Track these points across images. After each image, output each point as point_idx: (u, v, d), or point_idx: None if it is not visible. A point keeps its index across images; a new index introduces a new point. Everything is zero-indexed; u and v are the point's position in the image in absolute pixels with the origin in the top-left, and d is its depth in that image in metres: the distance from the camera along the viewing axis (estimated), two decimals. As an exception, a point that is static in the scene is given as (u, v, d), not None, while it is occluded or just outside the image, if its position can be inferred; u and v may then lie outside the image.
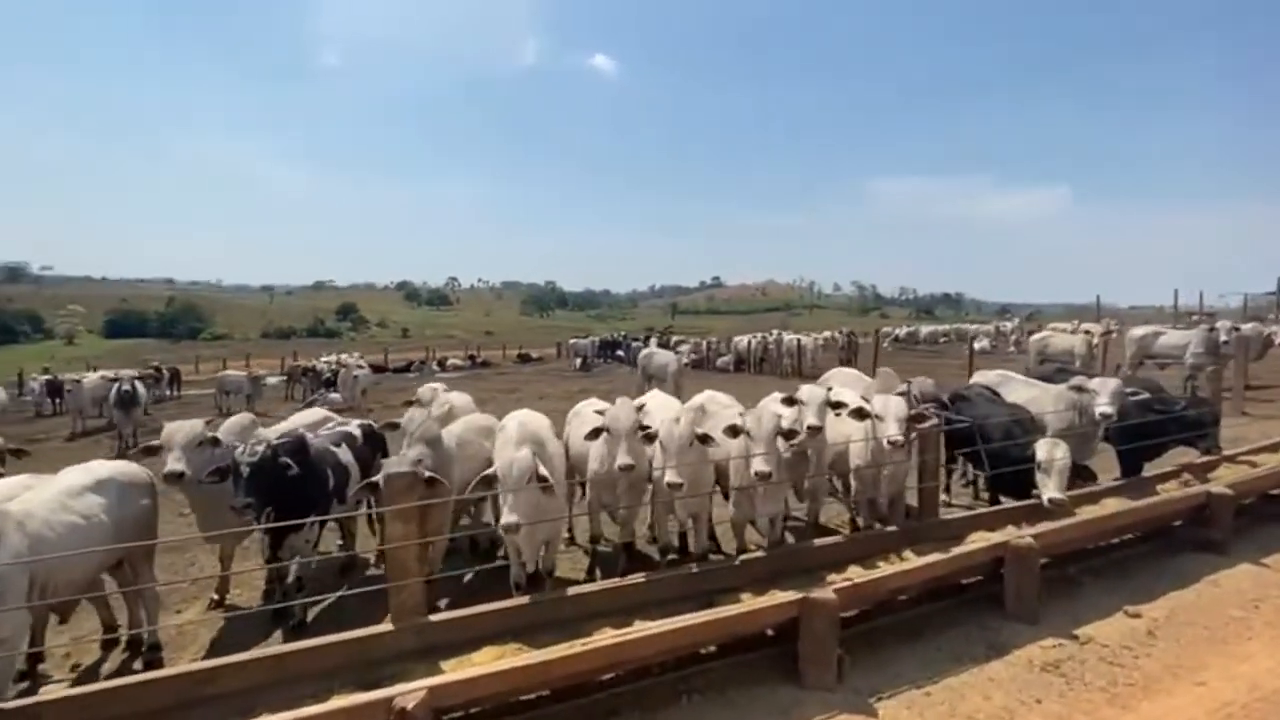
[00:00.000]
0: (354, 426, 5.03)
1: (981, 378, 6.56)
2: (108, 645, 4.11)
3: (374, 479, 3.69)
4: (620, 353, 29.41)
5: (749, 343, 23.78)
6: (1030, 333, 18.12)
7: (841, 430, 4.69)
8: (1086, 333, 14.25)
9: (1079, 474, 4.79)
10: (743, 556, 4.08)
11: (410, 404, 6.44)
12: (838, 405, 4.47)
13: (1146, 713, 3.11)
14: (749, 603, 3.48)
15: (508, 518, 3.35)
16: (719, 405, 5.02)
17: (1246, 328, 12.20)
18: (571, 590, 3.68)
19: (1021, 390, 5.96)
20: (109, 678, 3.66)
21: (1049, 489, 4.32)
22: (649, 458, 4.15)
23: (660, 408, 4.88)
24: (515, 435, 4.06)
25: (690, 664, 3.46)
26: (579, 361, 27.77)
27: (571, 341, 32.22)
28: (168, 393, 21.22)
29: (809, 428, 4.30)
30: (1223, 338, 11.18)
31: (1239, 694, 3.23)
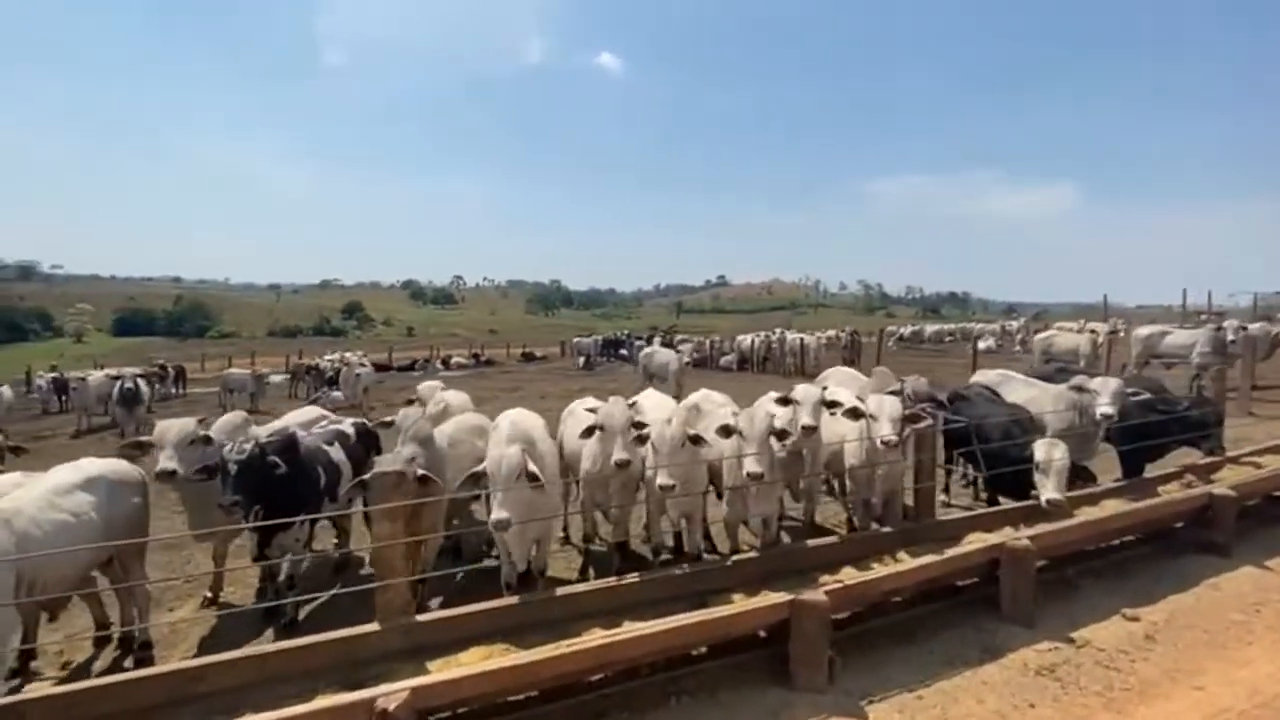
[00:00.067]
0: (347, 425, 5.02)
1: (981, 377, 6.50)
2: (100, 643, 4.11)
3: (364, 477, 3.68)
4: (624, 352, 29.44)
5: (752, 342, 23.75)
6: (1036, 332, 17.97)
7: (836, 430, 4.64)
8: (1092, 332, 14.11)
9: (1078, 474, 4.73)
10: (735, 557, 4.04)
11: (411, 403, 6.45)
12: (833, 405, 4.42)
13: (1143, 718, 3.06)
14: (739, 604, 3.45)
15: (498, 514, 3.32)
16: (713, 404, 4.98)
17: (1254, 327, 12.05)
18: (561, 590, 3.66)
19: (1021, 390, 5.90)
20: (99, 675, 3.66)
21: (1047, 490, 4.26)
22: (642, 458, 4.13)
23: (654, 407, 4.85)
24: (506, 434, 4.04)
25: (681, 665, 3.43)
26: (582, 360, 27.77)
27: (575, 340, 32.24)
28: (173, 390, 21.35)
29: (803, 427, 4.26)
30: (1230, 337, 11.04)
31: (1238, 700, 3.17)
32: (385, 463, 3.77)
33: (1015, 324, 32.35)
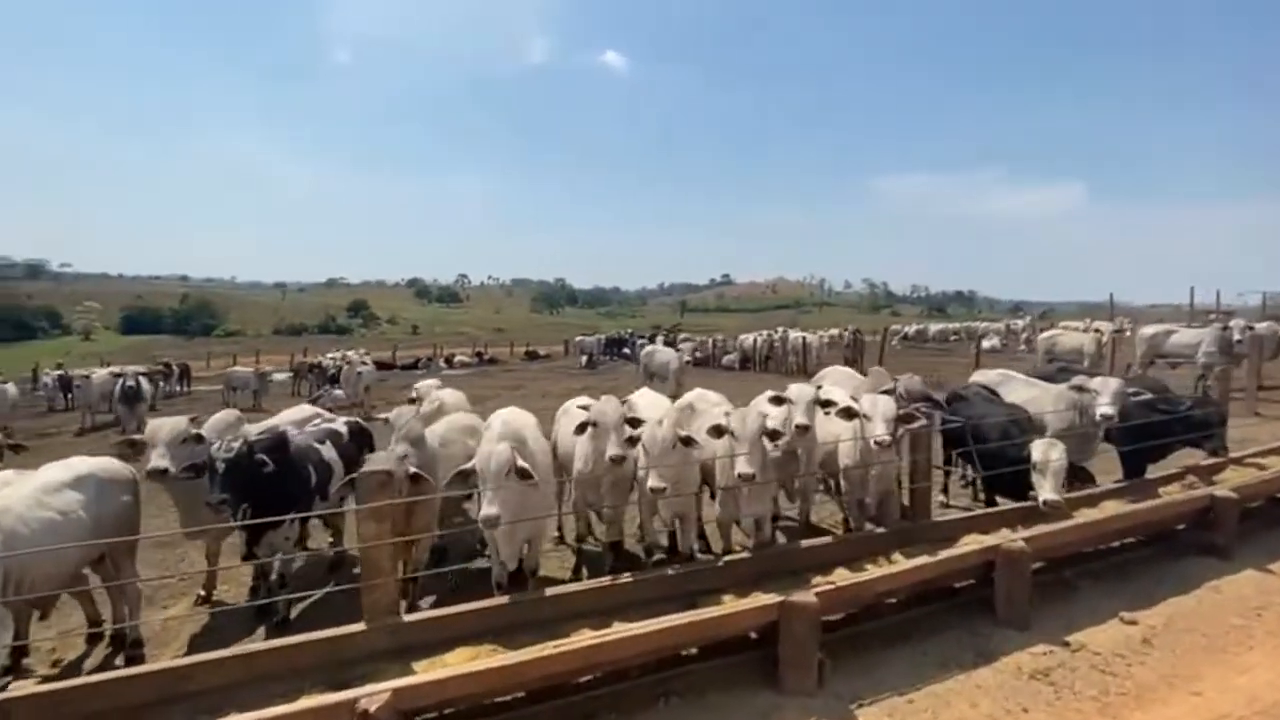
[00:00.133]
0: (340, 423, 5.01)
1: (981, 376, 6.43)
2: (92, 640, 4.12)
3: (354, 476, 3.66)
4: (626, 350, 29.43)
5: (754, 341, 23.69)
6: (1041, 331, 17.84)
7: (831, 430, 4.60)
8: (1096, 331, 13.99)
9: (1076, 475, 4.67)
10: (727, 558, 4.01)
11: (414, 401, 6.46)
12: (827, 404, 4.38)
13: (1137, 724, 3.02)
14: (728, 605, 3.41)
15: (487, 510, 3.30)
16: (708, 404, 4.95)
17: (1261, 326, 11.90)
18: (550, 590, 3.64)
19: (1021, 390, 5.84)
20: (91, 673, 3.66)
21: (1044, 490, 4.22)
22: (634, 457, 4.10)
23: (648, 406, 4.81)
24: (498, 432, 4.02)
25: (671, 666, 3.40)
26: (585, 359, 27.78)
27: (578, 339, 32.24)
28: (178, 388, 21.47)
29: (797, 426, 4.22)
30: (1236, 336, 10.91)
31: (1236, 707, 3.12)
32: (375, 462, 3.76)
33: (1020, 323, 32.18)
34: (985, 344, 25.21)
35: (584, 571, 4.84)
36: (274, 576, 4.19)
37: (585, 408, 4.27)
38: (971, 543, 4.14)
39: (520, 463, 3.48)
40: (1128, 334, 15.92)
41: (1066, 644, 3.62)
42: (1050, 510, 4.19)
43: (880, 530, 4.33)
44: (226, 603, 4.61)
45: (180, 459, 4.06)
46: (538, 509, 3.90)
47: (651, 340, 25.34)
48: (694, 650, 3.45)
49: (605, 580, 3.74)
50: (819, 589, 3.40)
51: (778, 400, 4.44)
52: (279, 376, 20.91)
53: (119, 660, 3.90)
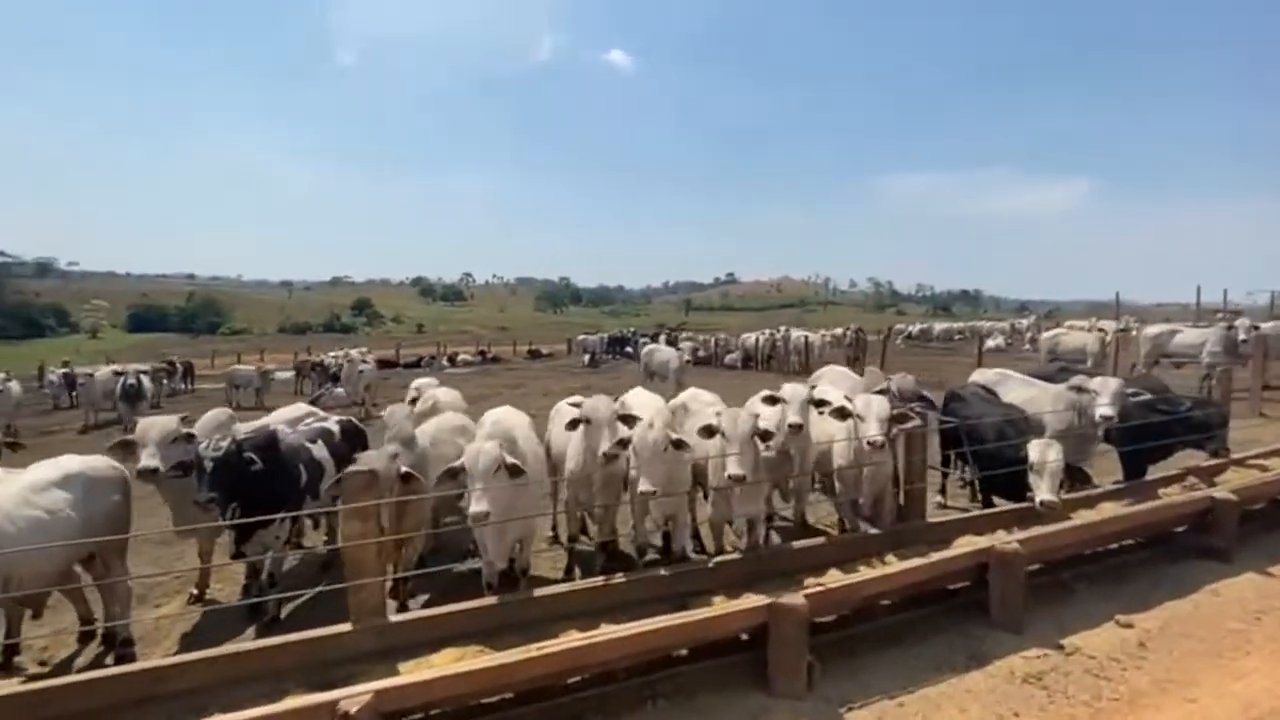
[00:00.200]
0: (332, 422, 5.00)
1: (979, 376, 6.38)
2: (84, 639, 4.12)
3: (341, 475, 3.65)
4: (629, 349, 29.41)
5: (756, 340, 23.64)
6: (1045, 330, 17.71)
7: (826, 429, 4.56)
8: (1100, 330, 13.87)
9: (1072, 476, 4.62)
10: (718, 559, 3.97)
11: (414, 402, 6.45)
12: (821, 404, 4.34)
13: (1131, 730, 2.97)
14: (717, 607, 3.39)
15: (476, 506, 3.28)
16: (701, 404, 4.91)
17: (1267, 326, 11.76)
18: (539, 591, 3.62)
19: (1019, 390, 5.79)
20: (80, 671, 3.66)
21: (1041, 491, 4.17)
22: (626, 457, 4.07)
23: (641, 405, 4.78)
24: (488, 431, 4.02)
25: (660, 668, 3.37)
26: (587, 358, 27.75)
27: (580, 338, 32.21)
28: (181, 386, 21.57)
29: (790, 426, 4.19)
30: (1241, 336, 10.80)
31: (1231, 713, 3.07)
32: (364, 461, 3.74)
33: (1025, 322, 32.01)
34: (990, 343, 25.10)
35: (576, 572, 4.81)
36: (264, 575, 4.18)
37: (577, 405, 4.24)
38: (966, 544, 4.10)
39: (509, 459, 3.46)
40: (1133, 333, 15.80)
41: (1061, 647, 3.58)
42: (1046, 511, 4.14)
43: (874, 531, 4.29)
44: (219, 601, 4.61)
45: (170, 458, 4.06)
46: (528, 508, 3.88)
47: (654, 339, 25.34)
48: (684, 652, 3.42)
49: (595, 581, 3.72)
50: (808, 591, 3.37)
51: (772, 400, 4.40)
52: (282, 375, 20.96)
53: (109, 659, 3.90)
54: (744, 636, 3.46)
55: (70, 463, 3.73)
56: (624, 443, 3.90)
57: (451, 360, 30.36)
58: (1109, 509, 4.66)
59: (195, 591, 4.66)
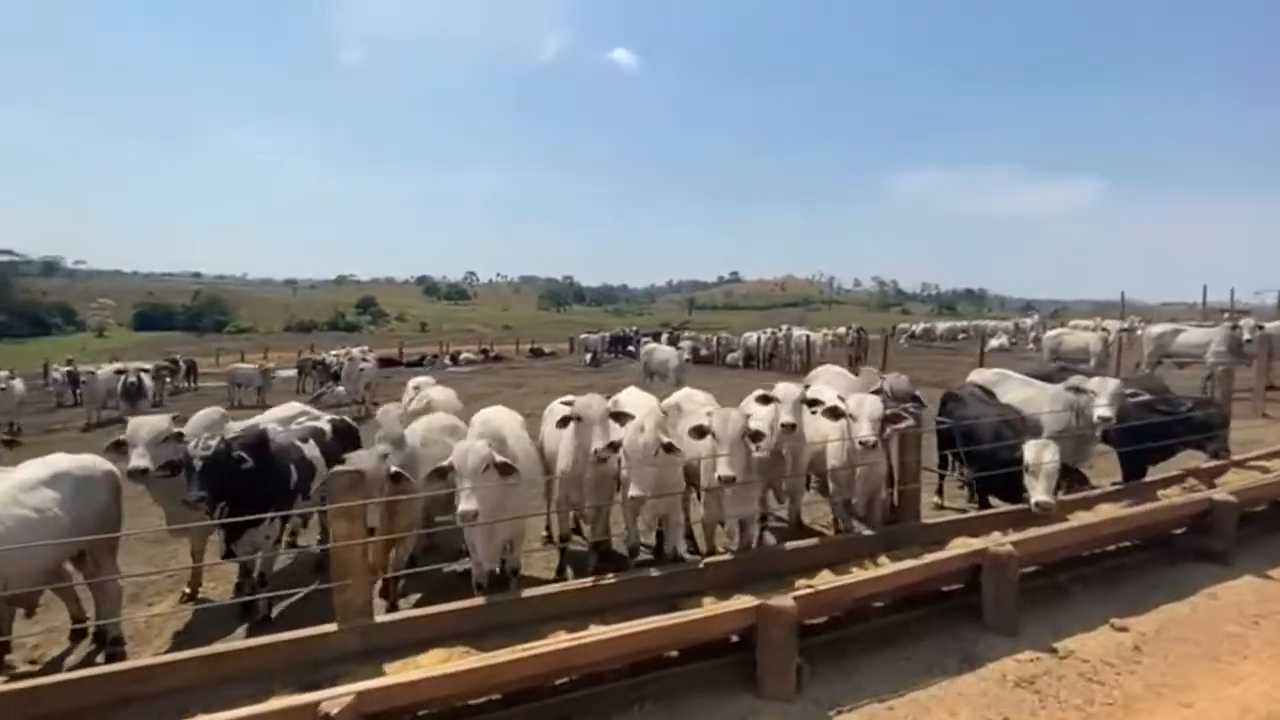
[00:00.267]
0: (324, 421, 4.99)
1: (978, 376, 6.32)
2: (75, 637, 4.13)
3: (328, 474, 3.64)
4: (631, 348, 29.38)
5: (758, 339, 23.59)
6: (1050, 329, 17.59)
7: (820, 429, 4.53)
8: (1102, 330, 13.77)
9: (1069, 477, 4.57)
10: (709, 560, 3.94)
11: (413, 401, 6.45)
12: (814, 403, 4.30)
13: (1123, 735, 2.94)
14: (706, 608, 3.36)
15: (465, 505, 3.27)
16: (695, 403, 4.88)
17: (1271, 325, 11.66)
18: (528, 592, 3.59)
19: (1017, 390, 5.73)
20: (69, 670, 3.66)
21: (1037, 492, 4.13)
22: (618, 459, 4.04)
23: (634, 404, 4.76)
24: (478, 431, 4.00)
25: (649, 669, 3.35)
26: (589, 357, 27.74)
27: (583, 337, 32.20)
28: (184, 384, 21.65)
29: (783, 425, 4.15)
30: (1245, 336, 10.70)
31: (1228, 718, 3.03)
32: (353, 461, 3.73)
33: (1029, 321, 31.83)
34: (993, 343, 24.99)
35: (568, 572, 4.79)
36: (255, 574, 4.17)
37: (569, 404, 4.22)
38: (960, 546, 4.07)
39: (499, 458, 3.44)
40: (1137, 333, 15.68)
41: (1054, 651, 3.54)
42: (1042, 513, 4.10)
43: (868, 532, 4.26)
44: (211, 600, 4.61)
45: (160, 458, 4.05)
46: (518, 508, 3.86)
47: (656, 338, 25.33)
48: (673, 653, 3.40)
49: (584, 582, 3.69)
50: (797, 593, 3.34)
51: (765, 400, 4.37)
52: (283, 373, 21.02)
53: (100, 658, 3.90)
54: (733, 638, 3.43)
55: (60, 461, 3.72)
56: (615, 445, 3.87)
57: (454, 359, 30.40)
58: (1106, 510, 4.61)
59: (188, 590, 4.66)
